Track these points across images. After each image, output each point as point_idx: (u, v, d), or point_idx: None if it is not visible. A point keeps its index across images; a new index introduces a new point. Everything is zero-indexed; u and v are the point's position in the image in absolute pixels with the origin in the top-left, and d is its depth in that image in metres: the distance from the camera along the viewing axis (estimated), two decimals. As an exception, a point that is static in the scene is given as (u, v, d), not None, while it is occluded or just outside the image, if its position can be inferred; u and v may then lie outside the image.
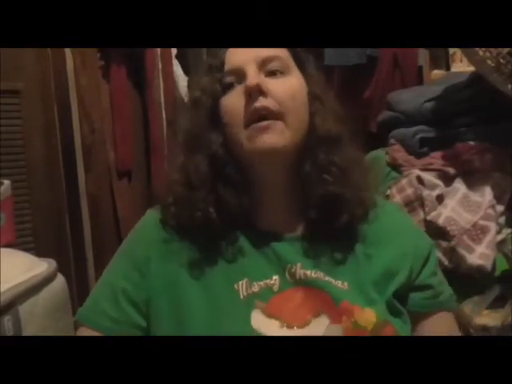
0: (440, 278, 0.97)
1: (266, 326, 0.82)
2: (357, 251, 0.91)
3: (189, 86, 0.97)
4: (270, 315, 0.83)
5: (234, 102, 0.87)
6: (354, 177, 0.91)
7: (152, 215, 0.96)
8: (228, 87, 0.89)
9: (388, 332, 0.84)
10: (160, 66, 2.67)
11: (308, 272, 0.87)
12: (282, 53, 0.90)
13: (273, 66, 0.88)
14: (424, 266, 0.94)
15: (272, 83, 0.87)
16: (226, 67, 0.89)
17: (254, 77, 0.85)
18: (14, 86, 2.45)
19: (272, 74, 0.88)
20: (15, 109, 2.46)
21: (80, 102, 2.63)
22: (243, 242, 0.90)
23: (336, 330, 0.82)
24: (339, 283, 0.87)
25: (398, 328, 0.86)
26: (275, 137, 0.85)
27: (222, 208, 0.88)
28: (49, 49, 2.52)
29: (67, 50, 2.57)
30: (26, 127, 2.50)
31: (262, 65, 0.88)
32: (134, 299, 0.89)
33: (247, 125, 0.86)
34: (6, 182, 1.92)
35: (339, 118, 0.94)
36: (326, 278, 0.87)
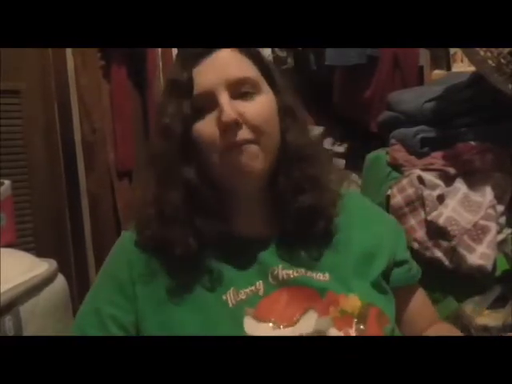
0: (408, 252, 1.03)
1: (258, 330, 0.83)
2: (332, 241, 0.93)
3: (157, 112, 0.93)
4: (260, 319, 0.85)
5: (206, 130, 0.86)
6: (325, 181, 0.93)
7: (128, 236, 0.95)
8: (198, 111, 0.87)
9: (373, 313, 0.87)
10: (161, 65, 2.67)
11: (290, 272, 0.89)
12: (251, 72, 0.89)
13: (244, 88, 0.87)
14: (398, 241, 1.00)
15: (245, 107, 0.86)
16: (196, 90, 0.87)
17: (228, 108, 0.84)
18: (15, 85, 2.45)
19: (244, 95, 0.87)
20: (16, 109, 2.47)
21: (80, 101, 2.63)
22: (224, 253, 0.90)
23: (325, 322, 0.84)
24: (320, 276, 0.90)
25: (383, 308, 0.89)
26: (251, 161, 0.85)
27: (200, 237, 0.87)
28: (49, 49, 2.52)
29: (68, 50, 2.58)
30: (27, 127, 2.50)
31: (234, 87, 0.86)
32: (123, 324, 0.88)
33: (222, 151, 0.85)
34: (7, 181, 1.92)
35: (307, 127, 0.96)
36: (308, 274, 0.90)
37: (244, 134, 0.85)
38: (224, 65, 0.87)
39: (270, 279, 0.89)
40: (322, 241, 0.93)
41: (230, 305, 0.86)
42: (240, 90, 0.87)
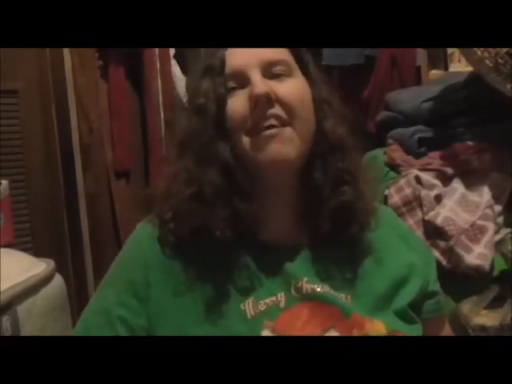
0: (438, 282, 0.98)
1: None
2: (363, 262, 0.89)
3: (189, 92, 0.92)
4: (279, 333, 0.80)
5: (238, 107, 0.83)
6: (362, 184, 0.89)
7: (145, 231, 0.90)
8: (231, 90, 0.84)
9: None
10: (158, 65, 2.67)
11: (315, 286, 0.85)
12: (284, 55, 0.86)
13: (277, 69, 0.85)
14: (430, 271, 0.96)
15: (279, 87, 0.83)
16: (227, 70, 0.85)
17: (260, 83, 0.81)
18: (12, 85, 2.45)
19: (277, 76, 0.85)
20: (13, 109, 2.46)
21: (78, 101, 2.63)
22: (247, 258, 0.85)
23: None
24: (343, 296, 0.85)
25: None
26: (285, 146, 0.81)
27: (236, 224, 0.83)
28: (47, 49, 2.52)
29: (65, 50, 2.57)
30: (24, 127, 2.50)
31: (266, 68, 0.84)
32: (132, 327, 0.83)
33: (254, 132, 0.82)
34: (4, 181, 1.92)
35: (346, 122, 0.91)
36: (332, 292, 0.85)
37: (276, 110, 0.82)
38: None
39: (293, 291, 0.84)
40: (352, 258, 0.88)
41: (249, 316, 0.82)
42: (273, 70, 0.84)
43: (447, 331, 1.02)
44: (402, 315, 0.87)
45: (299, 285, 0.85)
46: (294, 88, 0.85)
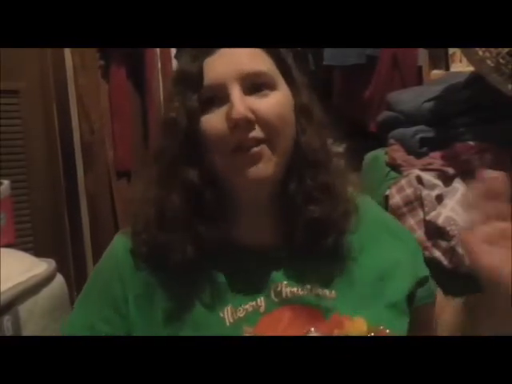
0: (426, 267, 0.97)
1: None
2: (344, 257, 0.87)
3: (164, 105, 0.87)
4: None
5: (215, 126, 0.79)
6: (340, 191, 0.86)
7: (121, 243, 0.88)
8: (207, 104, 0.80)
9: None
10: (159, 65, 2.68)
11: (294, 289, 0.83)
12: (267, 66, 0.83)
13: (258, 81, 0.81)
14: (418, 259, 0.94)
15: (259, 104, 0.80)
16: (206, 82, 0.80)
17: (239, 104, 0.77)
18: (14, 85, 2.46)
19: (258, 90, 0.81)
20: (15, 109, 2.47)
21: (79, 101, 2.63)
22: (224, 264, 0.83)
23: None
24: (327, 292, 0.84)
25: (393, 331, 0.84)
26: (263, 166, 0.79)
27: (200, 244, 0.81)
28: (48, 49, 2.52)
29: (66, 50, 2.58)
30: (26, 127, 2.50)
31: (247, 81, 0.80)
32: None
33: (232, 153, 0.79)
34: (6, 181, 1.92)
35: (325, 132, 0.88)
36: (313, 292, 0.83)
37: (256, 133, 0.79)
38: (238, 56, 0.81)
39: (273, 296, 0.83)
40: (332, 256, 0.86)
41: (228, 323, 0.80)
42: (254, 84, 0.80)
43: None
44: (394, 309, 0.86)
45: (279, 288, 0.83)
46: (275, 104, 0.81)
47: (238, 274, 0.83)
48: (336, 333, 0.81)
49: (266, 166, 0.79)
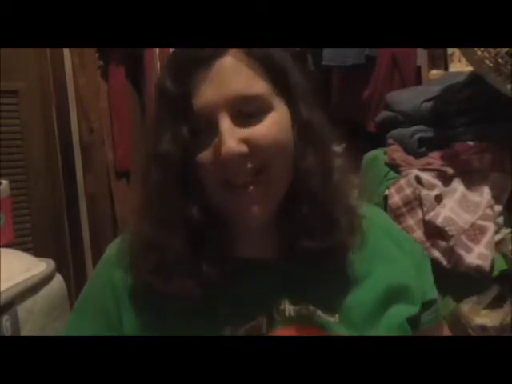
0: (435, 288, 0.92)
1: None
2: (349, 277, 0.82)
3: (150, 135, 0.78)
4: None
5: (205, 160, 0.73)
6: (341, 215, 0.79)
7: (115, 257, 0.84)
8: (197, 135, 0.74)
9: None
10: (158, 65, 2.68)
11: (298, 308, 0.79)
12: (260, 85, 0.75)
13: (250, 106, 0.74)
14: (426, 278, 0.89)
15: (251, 132, 0.73)
16: (193, 110, 0.73)
17: (229, 138, 0.71)
18: (13, 86, 2.46)
19: (250, 116, 0.74)
20: (14, 109, 2.47)
21: (78, 102, 2.63)
22: (224, 283, 0.77)
23: None
24: (330, 317, 0.79)
25: None
26: (256, 208, 0.74)
27: (207, 282, 0.75)
28: (47, 49, 2.52)
29: (66, 50, 2.58)
30: (25, 127, 2.50)
31: (237, 107, 0.73)
32: None
33: (225, 188, 0.74)
34: (5, 181, 1.92)
35: (327, 141, 0.82)
36: (317, 313, 0.79)
37: (250, 165, 0.73)
38: (226, 78, 0.74)
39: (275, 314, 0.78)
40: (336, 276, 0.81)
41: None
42: (245, 109, 0.73)
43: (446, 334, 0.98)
44: (397, 330, 0.82)
45: (281, 307, 0.79)
46: (271, 127, 0.74)
47: (238, 292, 0.79)
48: None
49: (259, 206, 0.74)
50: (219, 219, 0.77)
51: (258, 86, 0.75)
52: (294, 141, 0.78)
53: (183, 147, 0.73)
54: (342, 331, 0.78)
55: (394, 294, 0.83)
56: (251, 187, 0.73)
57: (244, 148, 0.72)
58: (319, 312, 0.79)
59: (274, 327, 0.78)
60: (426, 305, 0.87)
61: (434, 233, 1.44)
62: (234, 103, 0.73)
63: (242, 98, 0.73)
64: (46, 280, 1.12)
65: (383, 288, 0.82)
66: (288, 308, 0.79)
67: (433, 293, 0.89)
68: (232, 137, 0.71)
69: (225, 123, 0.72)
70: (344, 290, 0.81)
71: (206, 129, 0.73)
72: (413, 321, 0.84)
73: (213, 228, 0.75)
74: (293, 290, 0.79)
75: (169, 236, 0.74)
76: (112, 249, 0.87)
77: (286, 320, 0.78)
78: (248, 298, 0.78)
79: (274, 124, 0.75)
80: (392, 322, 0.82)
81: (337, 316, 0.79)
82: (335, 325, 0.79)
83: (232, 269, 0.77)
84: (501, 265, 1.41)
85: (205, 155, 0.73)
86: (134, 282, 0.80)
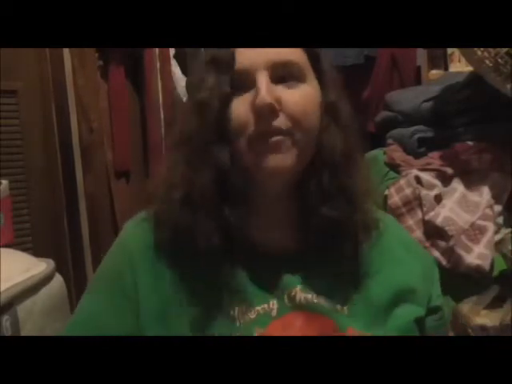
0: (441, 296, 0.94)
1: None
2: (361, 272, 0.85)
3: (191, 85, 0.86)
4: None
5: (240, 112, 0.78)
6: (359, 197, 0.83)
7: (132, 231, 0.88)
8: (237, 90, 0.79)
9: None
10: (158, 65, 2.68)
11: (309, 296, 0.81)
12: (298, 57, 0.82)
13: (286, 72, 0.80)
14: (434, 284, 0.92)
15: (286, 94, 0.79)
16: (236, 68, 0.79)
17: (265, 91, 0.76)
18: (12, 85, 2.45)
19: (286, 80, 0.80)
20: (13, 109, 2.47)
21: (78, 102, 2.63)
22: (238, 265, 0.81)
23: None
24: (339, 307, 0.81)
25: None
26: (282, 156, 0.78)
27: (225, 232, 0.79)
28: (47, 49, 2.52)
29: (65, 50, 2.58)
30: (24, 127, 2.50)
31: (276, 70, 0.79)
32: (127, 330, 0.81)
33: (255, 140, 0.78)
34: (4, 181, 1.92)
35: (351, 130, 0.86)
36: (328, 303, 0.81)
37: (279, 122, 0.78)
38: None
39: (286, 300, 0.81)
40: (350, 270, 0.84)
41: (238, 324, 0.78)
42: (283, 73, 0.79)
43: None
44: (404, 331, 0.84)
45: (292, 293, 0.81)
46: (302, 97, 0.80)
47: (252, 275, 0.81)
48: None
49: (285, 157, 0.78)
50: (246, 177, 0.80)
51: (297, 55, 0.82)
52: (320, 117, 0.83)
53: (223, 97, 0.79)
54: (350, 323, 0.80)
55: (401, 295, 0.85)
56: (278, 138, 0.78)
57: (277, 105, 0.77)
58: (328, 302, 0.81)
59: (283, 312, 0.80)
60: (432, 310, 0.89)
61: (434, 233, 1.45)
62: (274, 65, 0.79)
63: (281, 62, 0.79)
64: (45, 280, 1.12)
65: (390, 287, 0.85)
66: (299, 295, 0.81)
67: (439, 300, 0.91)
68: (268, 91, 0.77)
69: (263, 79, 0.78)
70: (354, 284, 0.84)
71: (246, 84, 0.79)
72: (419, 323, 0.86)
73: (238, 177, 0.79)
74: (305, 279, 0.82)
75: (197, 174, 0.79)
76: (127, 225, 0.90)
77: (296, 306, 0.81)
78: (263, 282, 0.81)
79: (305, 94, 0.81)
80: (400, 322, 0.84)
81: (345, 308, 0.81)
82: (343, 316, 0.81)
83: (247, 256, 0.82)
84: (501, 265, 1.41)
85: (241, 105, 0.78)
86: (155, 241, 0.83)
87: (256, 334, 0.78)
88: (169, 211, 0.81)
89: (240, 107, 0.78)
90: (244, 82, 0.79)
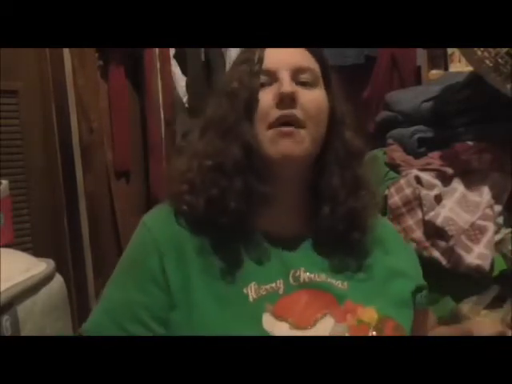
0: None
1: (275, 328, 0.83)
2: (358, 255, 0.95)
3: (222, 78, 1.00)
4: (278, 317, 0.85)
5: (263, 101, 0.90)
6: (372, 186, 0.97)
7: (154, 219, 0.95)
8: (262, 84, 0.91)
9: (390, 326, 0.87)
10: (158, 65, 2.68)
11: (312, 276, 0.90)
12: (314, 65, 0.93)
13: (305, 77, 0.91)
14: (418, 269, 1.03)
15: (303, 93, 0.90)
16: (264, 66, 0.91)
17: (288, 83, 0.89)
18: (12, 85, 2.45)
19: (302, 84, 0.91)
20: (13, 109, 2.47)
21: (78, 102, 2.63)
22: (249, 247, 0.91)
23: (341, 329, 0.85)
24: (339, 284, 0.91)
25: (401, 322, 0.90)
26: (296, 145, 0.88)
27: (248, 200, 0.89)
28: (47, 49, 2.52)
29: (65, 50, 2.58)
30: (24, 127, 2.50)
31: (295, 73, 0.91)
32: (157, 314, 0.86)
33: (273, 127, 0.89)
34: (4, 181, 1.92)
35: (359, 133, 0.98)
36: (328, 280, 0.91)
37: (296, 111, 0.88)
38: (292, 51, 0.92)
39: (291, 279, 0.90)
40: (349, 252, 0.94)
41: (251, 299, 0.86)
42: (301, 77, 0.91)
43: (432, 321, 1.11)
44: (401, 304, 0.93)
45: (297, 274, 0.90)
46: (315, 97, 0.92)
47: (262, 256, 0.91)
48: (349, 317, 0.86)
49: (298, 144, 0.88)
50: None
51: (312, 62, 0.94)
52: (327, 119, 0.94)
53: (252, 89, 0.90)
54: (348, 297, 0.89)
55: (396, 275, 0.96)
56: (294, 129, 0.88)
57: (296, 97, 0.88)
58: (330, 280, 0.91)
59: (289, 290, 0.88)
60: (420, 288, 0.99)
61: (434, 233, 1.44)
62: (295, 68, 0.91)
63: (302, 67, 0.91)
64: (45, 280, 1.12)
65: (388, 268, 0.96)
66: (303, 275, 0.90)
67: (423, 281, 1.01)
68: (290, 84, 0.89)
69: (285, 76, 0.90)
70: (355, 264, 0.94)
71: (271, 80, 0.91)
72: (413, 296, 0.96)
73: (260, 157, 0.89)
74: (309, 261, 0.92)
75: (229, 145, 0.90)
76: (145, 219, 0.95)
77: (301, 285, 0.89)
78: (271, 264, 0.90)
79: (318, 97, 0.93)
80: (396, 297, 0.93)
81: (345, 284, 0.91)
82: (343, 291, 0.90)
83: (259, 240, 0.92)
84: (501, 265, 1.41)
85: (265, 95, 0.90)
86: (178, 227, 0.91)
87: (267, 309, 0.85)
88: (200, 178, 0.91)
89: (264, 97, 0.90)
90: (269, 78, 0.91)
